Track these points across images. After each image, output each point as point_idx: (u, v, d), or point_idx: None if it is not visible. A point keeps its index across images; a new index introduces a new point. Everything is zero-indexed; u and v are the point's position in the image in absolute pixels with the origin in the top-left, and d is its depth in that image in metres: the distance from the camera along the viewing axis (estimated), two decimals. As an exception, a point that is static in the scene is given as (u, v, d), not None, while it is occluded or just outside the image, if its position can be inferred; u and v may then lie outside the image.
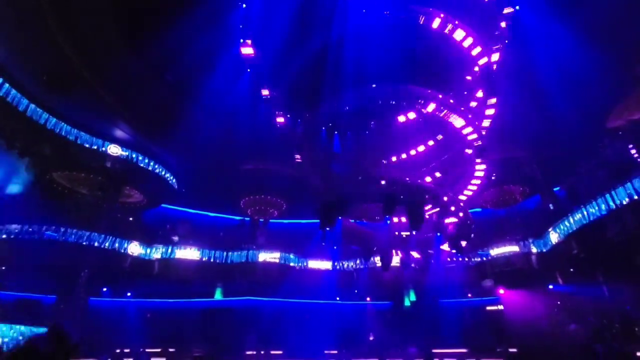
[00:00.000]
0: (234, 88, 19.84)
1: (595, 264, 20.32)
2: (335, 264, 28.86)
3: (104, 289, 25.21)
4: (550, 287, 24.05)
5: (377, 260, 24.31)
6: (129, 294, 25.96)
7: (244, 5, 15.86)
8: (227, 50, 17.41)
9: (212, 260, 26.42)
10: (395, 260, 22.54)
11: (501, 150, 20.85)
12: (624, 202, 15.93)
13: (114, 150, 23.17)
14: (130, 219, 28.47)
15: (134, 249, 24.16)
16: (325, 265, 28.88)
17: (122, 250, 23.50)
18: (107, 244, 22.74)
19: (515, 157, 22.93)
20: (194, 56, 18.26)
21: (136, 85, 19.48)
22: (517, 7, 15.66)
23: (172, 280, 25.26)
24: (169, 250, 25.57)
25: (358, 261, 28.51)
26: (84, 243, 21.82)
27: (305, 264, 28.49)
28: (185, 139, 22.16)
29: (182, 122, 20.54)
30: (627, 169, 16.54)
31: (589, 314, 20.91)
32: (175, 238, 27.93)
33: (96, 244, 22.31)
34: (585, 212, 18.40)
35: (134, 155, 24.09)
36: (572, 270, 22.53)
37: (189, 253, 26.05)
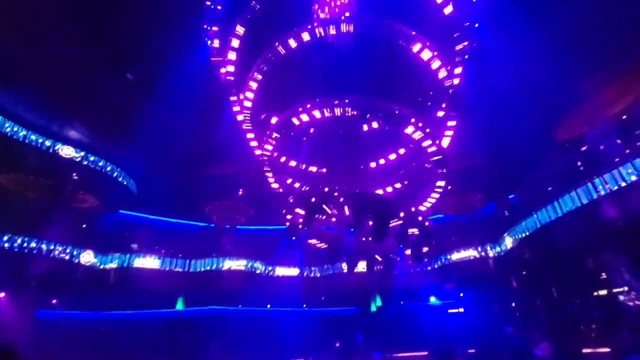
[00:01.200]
0: (200, 89, 19.36)
1: (546, 267, 21.70)
2: (304, 271, 28.72)
3: (54, 301, 23.47)
4: (505, 289, 25.36)
5: (344, 266, 24.49)
6: (81, 306, 24.29)
7: (212, 6, 15.54)
8: (192, 50, 16.97)
9: (173, 269, 25.39)
10: (361, 266, 22.78)
11: (460, 159, 21.84)
12: (570, 210, 17.21)
13: (67, 151, 21.72)
14: (84, 225, 26.74)
15: (87, 257, 22.72)
16: (292, 272, 28.64)
17: (74, 260, 22.02)
18: (56, 253, 21.20)
19: (473, 166, 24.12)
20: (157, 53, 17.69)
21: (93, 81, 18.50)
22: (477, 25, 16.57)
23: (129, 291, 23.96)
24: (127, 259, 24.26)
25: (325, 267, 28.58)
26: (31, 251, 20.22)
27: (272, 271, 28.10)
28: (147, 141, 21.24)
29: (144, 123, 19.71)
30: (573, 178, 17.88)
31: (541, 315, 22.24)
32: (134, 246, 26.58)
33: (44, 252, 20.74)
34: (536, 219, 19.66)
35: (89, 158, 22.71)
36: (525, 273, 23.91)
37: (148, 262, 24.86)
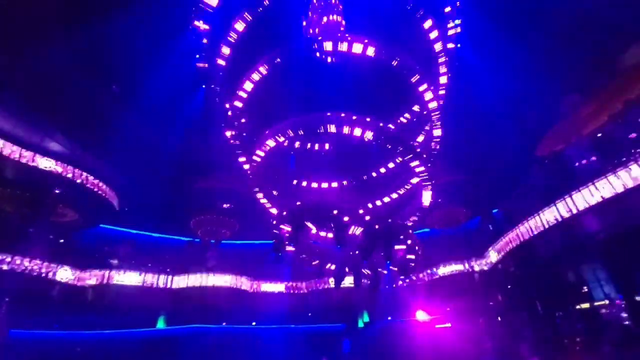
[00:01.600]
0: (185, 101, 19.31)
1: (530, 281, 21.97)
2: (291, 286, 28.27)
3: (28, 320, 22.36)
4: (491, 303, 25.51)
5: (331, 281, 24.27)
6: (56, 325, 23.19)
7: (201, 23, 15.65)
8: (178, 61, 16.96)
9: (154, 285, 24.59)
10: (348, 281, 22.61)
11: (446, 175, 22.27)
12: (550, 223, 17.61)
13: (46, 164, 21.11)
14: (62, 240, 25.80)
15: (64, 274, 21.85)
16: (278, 287, 28.17)
17: (50, 276, 21.13)
18: (31, 269, 20.33)
19: (458, 182, 24.59)
20: (143, 64, 17.58)
21: (76, 92, 18.20)
22: (459, 45, 17.16)
23: (108, 309, 23.02)
24: (106, 276, 23.40)
25: (312, 282, 28.22)
26: (5, 268, 19.33)
27: (257, 287, 27.57)
28: (131, 154, 20.97)
29: (127, 135, 19.46)
30: (552, 193, 18.36)
31: (527, 328, 22.36)
32: (114, 261, 25.75)
33: (19, 268, 19.85)
34: (518, 232, 20.01)
35: (69, 170, 22.09)
36: (510, 287, 24.13)
37: (129, 278, 24.03)
